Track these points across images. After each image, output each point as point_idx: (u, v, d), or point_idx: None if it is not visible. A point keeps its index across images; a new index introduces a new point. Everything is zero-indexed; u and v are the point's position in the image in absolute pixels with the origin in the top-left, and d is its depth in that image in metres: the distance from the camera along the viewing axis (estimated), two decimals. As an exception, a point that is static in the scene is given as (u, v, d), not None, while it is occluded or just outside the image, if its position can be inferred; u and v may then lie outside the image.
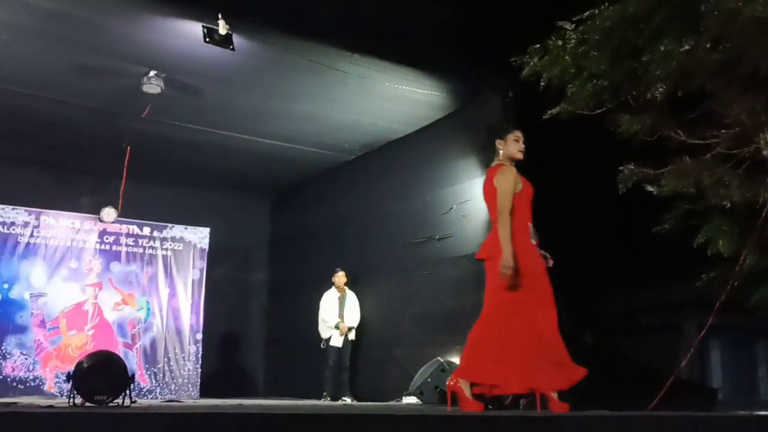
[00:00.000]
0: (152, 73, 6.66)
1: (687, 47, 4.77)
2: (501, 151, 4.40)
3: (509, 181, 4.25)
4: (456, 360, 6.82)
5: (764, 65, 4.52)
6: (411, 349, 7.48)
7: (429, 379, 6.52)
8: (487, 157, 6.94)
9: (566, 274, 6.45)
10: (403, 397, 6.88)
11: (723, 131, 5.22)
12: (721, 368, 9.41)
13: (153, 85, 6.74)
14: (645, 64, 4.95)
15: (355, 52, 6.28)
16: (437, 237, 7.46)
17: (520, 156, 4.37)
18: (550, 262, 4.44)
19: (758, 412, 5.41)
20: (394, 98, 7.20)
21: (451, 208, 7.34)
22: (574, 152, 6.43)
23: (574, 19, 5.24)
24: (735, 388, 9.50)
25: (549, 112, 5.41)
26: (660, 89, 5.08)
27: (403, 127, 7.99)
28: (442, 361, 6.67)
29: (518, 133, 4.42)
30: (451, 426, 2.94)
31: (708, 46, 4.81)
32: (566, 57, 5.27)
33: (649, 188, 5.39)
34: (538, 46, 5.36)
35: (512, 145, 4.37)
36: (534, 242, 4.34)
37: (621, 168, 5.33)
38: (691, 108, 5.22)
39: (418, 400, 6.61)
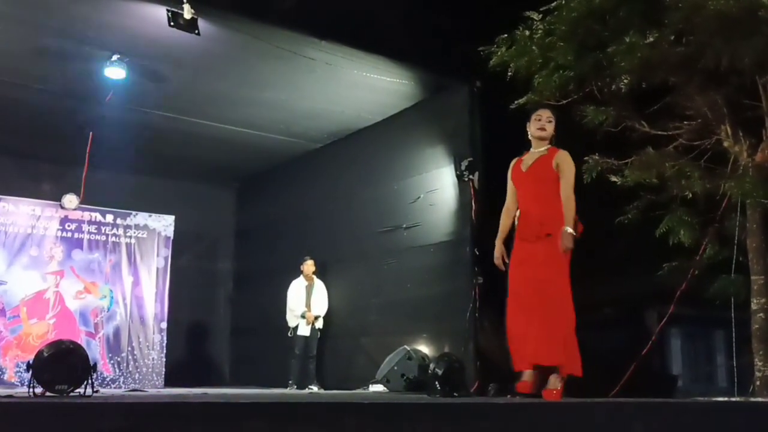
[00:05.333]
0: (115, 57, 6.53)
1: (651, 40, 4.84)
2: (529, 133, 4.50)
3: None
4: (422, 348, 6.87)
5: (726, 59, 4.61)
6: (378, 337, 7.50)
7: (396, 368, 6.56)
8: (454, 146, 7.00)
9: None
10: (370, 386, 6.90)
11: (685, 123, 5.33)
12: (681, 356, 9.62)
13: (116, 70, 6.61)
14: (610, 56, 5.02)
15: (323, 39, 6.24)
16: (405, 226, 7.47)
17: (538, 134, 4.39)
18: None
19: (716, 399, 5.56)
20: (362, 86, 7.17)
21: (418, 197, 7.36)
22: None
23: (541, 9, 5.28)
24: (694, 376, 9.73)
25: (516, 102, 5.45)
26: (624, 81, 5.16)
27: (371, 115, 7.97)
28: (408, 349, 6.70)
29: (539, 112, 4.47)
30: (417, 413, 2.96)
31: (672, 39, 4.89)
32: (533, 47, 5.32)
33: (613, 179, 5.48)
34: (506, 36, 5.39)
35: (532, 125, 4.44)
36: None
37: (586, 158, 5.40)
38: (654, 100, 5.31)
39: (385, 389, 6.63)
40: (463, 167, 6.69)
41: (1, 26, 5.97)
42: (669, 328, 8.43)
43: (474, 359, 6.29)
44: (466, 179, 6.67)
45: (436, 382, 4.62)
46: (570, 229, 4.16)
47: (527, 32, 5.31)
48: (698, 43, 4.76)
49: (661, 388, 6.58)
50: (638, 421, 3.30)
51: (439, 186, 7.13)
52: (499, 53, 5.40)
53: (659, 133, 5.38)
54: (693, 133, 5.31)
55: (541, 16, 5.28)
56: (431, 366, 5.61)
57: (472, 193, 6.64)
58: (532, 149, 4.45)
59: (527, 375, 4.26)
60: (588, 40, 5.17)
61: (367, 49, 6.42)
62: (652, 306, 7.62)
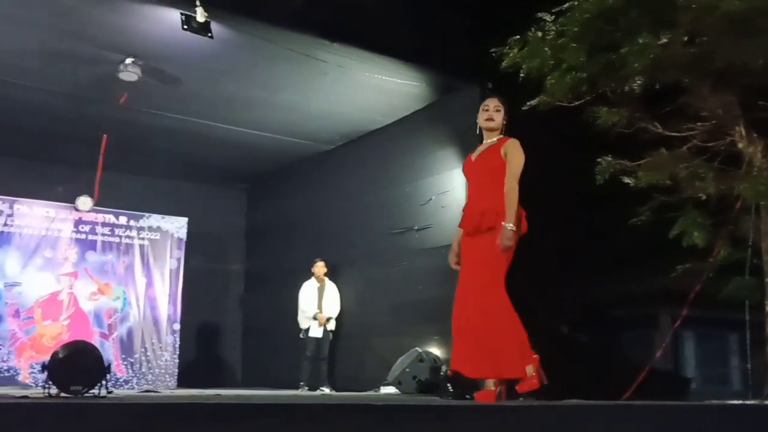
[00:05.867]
0: (129, 60, 6.57)
1: (664, 41, 4.82)
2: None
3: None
4: (434, 350, 6.86)
5: (739, 60, 4.58)
6: (390, 339, 7.50)
7: (407, 369, 6.55)
8: (466, 147, 6.99)
9: (542, 265, 6.52)
10: (382, 387, 6.90)
11: (699, 124, 5.30)
12: (694, 359, 9.55)
13: (130, 73, 6.65)
14: (622, 57, 5.00)
15: (334, 42, 6.25)
16: (416, 227, 7.47)
17: (486, 125, 4.23)
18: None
19: (730, 401, 5.51)
20: (373, 88, 7.18)
21: (429, 199, 7.35)
22: (551, 144, 6.46)
23: (553, 10, 5.27)
24: (707, 378, 9.66)
25: (528, 103, 5.44)
26: (637, 82, 5.14)
27: (382, 117, 7.98)
28: (420, 351, 6.70)
29: (486, 102, 4.30)
30: (428, 415, 2.96)
31: (684, 39, 4.86)
32: (545, 49, 5.30)
33: (626, 180, 5.46)
34: (518, 37, 5.38)
35: (480, 116, 4.28)
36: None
37: (598, 159, 5.38)
38: (667, 101, 5.29)
39: (397, 390, 6.63)
40: (474, 169, 6.67)
41: (17, 29, 6.03)
42: (682, 331, 8.38)
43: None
44: (477, 181, 6.65)
45: (448, 384, 4.62)
46: (510, 225, 3.91)
47: (539, 33, 5.29)
48: (711, 44, 4.73)
49: (674, 391, 6.55)
50: (650, 423, 3.28)
51: (450, 187, 7.12)
52: (511, 54, 5.39)
53: (672, 134, 5.35)
54: (706, 134, 5.29)
55: (553, 17, 5.27)
56: (443, 368, 5.63)
57: (484, 194, 6.62)
58: (483, 140, 4.30)
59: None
60: (600, 41, 5.15)
61: (379, 51, 6.43)
62: (666, 308, 7.58)
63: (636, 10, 4.95)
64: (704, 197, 5.24)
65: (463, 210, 4.34)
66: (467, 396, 4.88)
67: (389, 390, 6.75)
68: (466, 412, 3.13)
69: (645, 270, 6.90)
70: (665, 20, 4.85)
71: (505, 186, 4.03)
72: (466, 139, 6.97)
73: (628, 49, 4.92)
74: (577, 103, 5.36)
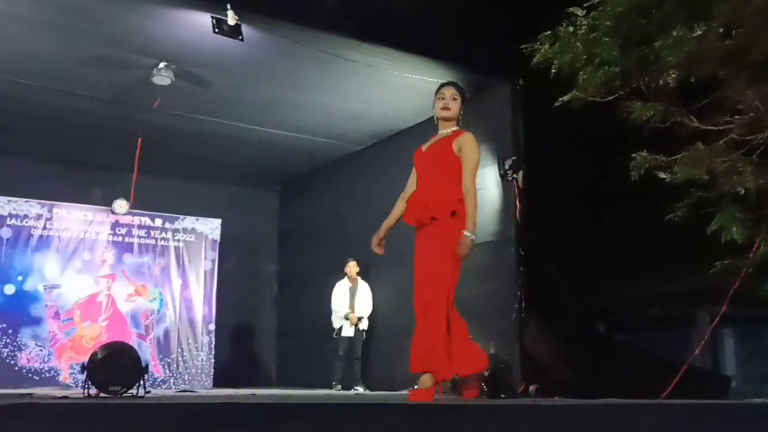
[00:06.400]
0: (162, 64, 6.67)
1: (699, 33, 4.73)
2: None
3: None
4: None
5: (777, 51, 4.48)
6: (422, 338, 7.48)
7: (441, 369, 6.52)
8: (497, 145, 6.96)
9: (577, 264, 6.45)
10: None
11: (736, 117, 5.18)
12: (734, 357, 9.37)
13: (163, 77, 6.75)
14: (656, 51, 4.91)
15: (364, 42, 6.26)
16: (448, 226, 7.43)
17: (441, 114, 4.11)
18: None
19: (771, 400, 5.39)
20: (404, 88, 7.17)
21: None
22: (584, 140, 6.40)
23: (585, 5, 5.21)
24: (748, 377, 9.47)
25: (560, 99, 5.38)
26: (672, 76, 5.05)
27: (413, 116, 7.97)
28: (453, 350, 6.67)
29: (442, 90, 4.16)
30: (463, 414, 2.94)
31: (720, 32, 4.77)
32: (577, 44, 5.23)
33: (662, 175, 5.36)
34: (549, 33, 5.33)
35: (435, 105, 4.16)
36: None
37: (633, 155, 5.30)
38: (703, 94, 5.18)
39: (431, 389, 6.60)
40: (506, 166, 6.64)
41: (52, 36, 6.16)
42: (721, 328, 8.23)
43: (520, 360, 6.23)
44: (510, 179, 6.62)
45: (482, 383, 4.59)
46: (469, 234, 3.80)
47: (571, 29, 5.23)
48: (747, 36, 4.63)
49: (714, 390, 6.42)
50: (689, 423, 3.23)
51: (482, 186, 7.06)
52: (542, 51, 5.33)
53: (709, 128, 5.25)
54: (744, 127, 5.17)
55: (584, 12, 5.20)
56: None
57: (516, 192, 6.59)
58: (439, 131, 4.17)
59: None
60: (633, 35, 5.07)
61: (409, 50, 6.42)
62: (704, 306, 7.45)
63: (670, 3, 4.86)
64: (743, 192, 5.13)
65: (407, 202, 4.24)
66: (502, 395, 4.85)
67: (423, 389, 6.73)
68: (499, 412, 3.11)
69: (682, 267, 6.79)
70: (700, 13, 4.76)
71: (463, 186, 3.90)
72: (498, 137, 6.95)
73: (662, 42, 4.84)
74: (610, 98, 5.28)
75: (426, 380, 3.96)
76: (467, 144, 3.97)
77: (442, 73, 6.93)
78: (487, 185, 7.00)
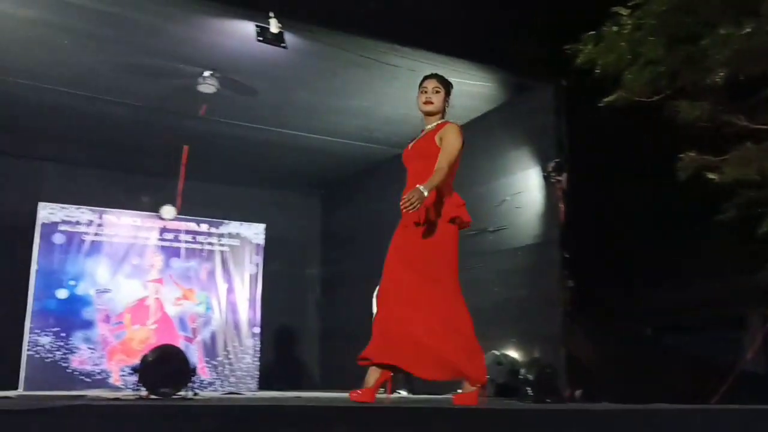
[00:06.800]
0: (207, 73, 6.79)
1: (747, 30, 4.63)
2: None
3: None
4: (512, 353, 6.79)
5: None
6: (466, 341, 7.45)
7: (485, 372, 6.49)
8: (540, 147, 6.90)
9: (624, 266, 6.35)
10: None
11: (788, 116, 5.06)
12: (788, 361, 9.10)
13: (208, 85, 6.87)
14: (703, 49, 4.82)
15: (405, 46, 6.28)
16: (490, 229, 7.41)
17: (425, 108, 4.01)
18: None
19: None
20: (445, 91, 7.16)
21: (503, 200, 7.28)
22: (630, 141, 6.31)
23: (629, 4, 5.14)
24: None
25: (604, 99, 5.32)
26: (720, 74, 4.95)
27: (453, 119, 7.88)
28: (498, 354, 6.63)
29: (424, 84, 4.03)
30: (508, 419, 2.93)
31: (770, 28, 4.66)
32: (622, 43, 5.17)
33: (710, 176, 5.25)
34: (593, 33, 5.28)
35: (418, 99, 4.05)
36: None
37: (680, 155, 5.21)
38: (753, 92, 5.07)
39: (475, 393, 6.58)
40: (550, 168, 6.58)
41: (100, 47, 6.32)
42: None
43: (566, 365, 6.16)
44: (554, 180, 6.56)
45: (528, 388, 4.56)
46: (421, 187, 3.56)
47: (615, 28, 5.17)
48: (799, 32, 4.52)
49: (766, 395, 6.25)
50: (740, 429, 3.16)
51: (525, 188, 7.03)
52: (585, 51, 5.28)
53: (759, 126, 5.13)
54: (796, 126, 5.04)
55: (629, 11, 5.14)
56: (522, 371, 5.56)
57: (560, 194, 6.53)
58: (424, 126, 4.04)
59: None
60: (679, 33, 4.99)
61: (450, 53, 6.40)
62: (756, 308, 7.25)
63: (716, 0, 4.77)
64: (795, 191, 5.01)
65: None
66: (548, 400, 4.81)
67: (467, 393, 6.70)
68: (547, 417, 3.09)
69: (733, 268, 6.63)
70: (748, 9, 4.66)
71: (436, 165, 3.74)
72: (540, 139, 6.90)
73: (710, 40, 4.75)
74: (656, 98, 5.20)
75: (467, 385, 3.91)
76: (448, 132, 3.86)
77: (483, 76, 6.92)
78: (530, 187, 6.96)
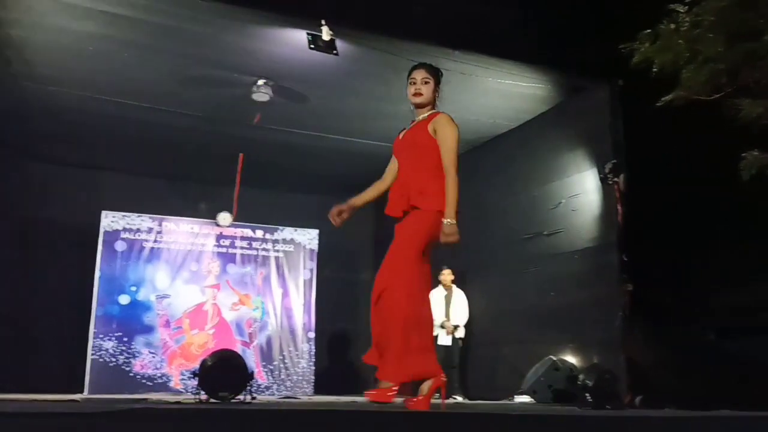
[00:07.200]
0: (261, 81, 6.90)
1: (813, 24, 4.47)
2: None
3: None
4: (569, 358, 6.69)
5: None
6: (521, 347, 7.38)
7: (542, 378, 6.41)
8: (596, 148, 6.79)
9: (684, 268, 6.18)
10: (516, 396, 6.80)
11: None
12: None
13: (262, 93, 6.98)
14: (765, 45, 4.67)
15: (456, 49, 6.26)
16: (546, 232, 7.32)
17: (414, 100, 3.82)
18: None
19: None
20: (497, 93, 7.12)
21: (559, 203, 7.18)
22: (689, 140, 6.15)
23: (687, 1, 5.02)
24: None
25: (662, 99, 5.20)
26: (783, 70, 4.79)
27: (507, 122, 7.89)
28: (555, 359, 6.54)
29: (413, 74, 3.86)
30: (569, 426, 2.89)
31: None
32: (679, 41, 5.05)
33: (775, 175, 5.08)
34: (649, 31, 5.17)
35: (408, 90, 3.87)
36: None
37: (743, 154, 5.06)
38: (819, 89, 4.89)
39: (532, 400, 6.51)
40: (606, 170, 6.46)
41: (158, 59, 6.49)
42: None
43: (625, 370, 6.03)
44: (611, 182, 6.44)
45: (587, 394, 4.49)
46: (449, 221, 3.54)
47: (672, 26, 5.05)
48: None
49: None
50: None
51: (581, 190, 6.92)
52: (642, 49, 5.18)
53: (826, 124, 4.94)
54: None
55: (686, 8, 5.01)
56: (581, 377, 5.47)
57: (618, 196, 6.40)
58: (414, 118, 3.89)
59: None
60: (739, 29, 4.84)
61: (502, 55, 6.36)
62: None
63: (778, -6, 4.62)
64: None
65: (389, 193, 4.00)
66: (607, 406, 4.72)
67: (524, 399, 6.64)
68: (607, 423, 3.03)
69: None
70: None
71: (443, 167, 3.65)
72: (597, 140, 6.78)
73: (772, 35, 4.60)
74: (716, 96, 5.05)
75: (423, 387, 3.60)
76: (441, 124, 3.72)
77: (537, 77, 6.85)
78: (586, 189, 6.85)
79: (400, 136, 3.95)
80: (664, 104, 5.18)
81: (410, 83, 3.85)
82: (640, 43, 5.21)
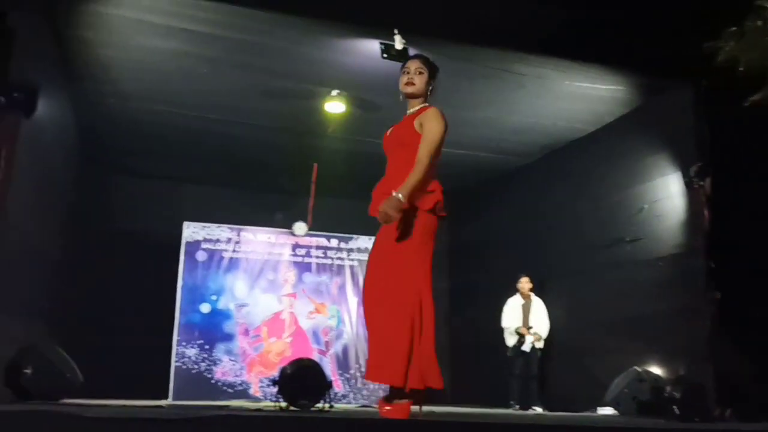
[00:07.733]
0: (335, 92, 6.98)
1: None
2: None
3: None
4: (655, 369, 6.45)
5: None
6: (603, 357, 7.17)
7: (626, 390, 6.19)
8: (680, 151, 6.55)
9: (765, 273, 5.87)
10: (598, 409, 6.60)
11: None
12: None
13: (336, 104, 7.06)
14: None
15: (531, 54, 6.16)
16: (627, 239, 7.10)
17: (406, 90, 3.72)
18: None
19: None
20: (574, 97, 6.97)
21: (642, 208, 6.96)
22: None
23: (775, -4, 4.80)
24: None
25: (749, 98, 4.99)
26: None
27: (584, 125, 7.71)
28: (639, 370, 6.31)
29: (407, 64, 3.75)
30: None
31: None
32: (766, 38, 4.83)
33: None
34: (734, 29, 4.97)
35: (400, 81, 3.76)
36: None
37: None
38: None
39: (615, 412, 6.30)
40: (691, 173, 6.21)
41: (234, 72, 6.65)
42: None
43: (714, 382, 5.77)
44: (696, 186, 6.19)
45: (674, 406, 4.31)
46: (399, 195, 3.36)
47: (759, 23, 4.84)
48: None
49: None
50: None
51: (664, 195, 6.68)
52: (726, 48, 4.98)
53: None
54: None
55: (774, 3, 4.79)
56: (667, 388, 5.27)
57: (704, 200, 6.15)
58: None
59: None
60: (834, 22, 4.60)
61: (579, 58, 6.22)
62: None
63: None
64: None
65: (373, 192, 3.84)
66: (696, 419, 4.52)
67: (607, 411, 6.44)
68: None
69: None
70: None
71: (417, 157, 3.44)
72: (680, 142, 6.54)
73: None
74: (808, 93, 4.81)
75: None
76: (428, 117, 3.58)
77: (615, 79, 6.68)
78: (670, 194, 6.61)
79: (389, 132, 3.85)
80: (750, 104, 4.97)
81: (403, 73, 3.76)
82: (725, 42, 5.02)
